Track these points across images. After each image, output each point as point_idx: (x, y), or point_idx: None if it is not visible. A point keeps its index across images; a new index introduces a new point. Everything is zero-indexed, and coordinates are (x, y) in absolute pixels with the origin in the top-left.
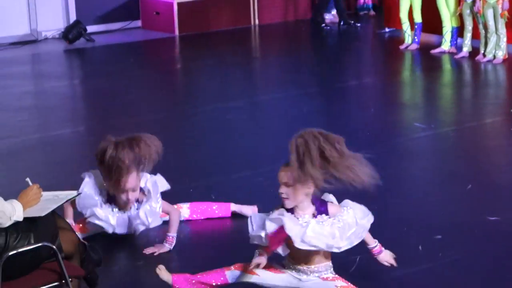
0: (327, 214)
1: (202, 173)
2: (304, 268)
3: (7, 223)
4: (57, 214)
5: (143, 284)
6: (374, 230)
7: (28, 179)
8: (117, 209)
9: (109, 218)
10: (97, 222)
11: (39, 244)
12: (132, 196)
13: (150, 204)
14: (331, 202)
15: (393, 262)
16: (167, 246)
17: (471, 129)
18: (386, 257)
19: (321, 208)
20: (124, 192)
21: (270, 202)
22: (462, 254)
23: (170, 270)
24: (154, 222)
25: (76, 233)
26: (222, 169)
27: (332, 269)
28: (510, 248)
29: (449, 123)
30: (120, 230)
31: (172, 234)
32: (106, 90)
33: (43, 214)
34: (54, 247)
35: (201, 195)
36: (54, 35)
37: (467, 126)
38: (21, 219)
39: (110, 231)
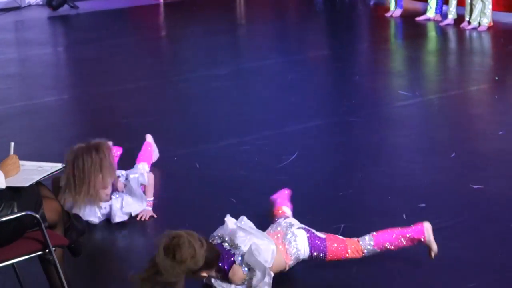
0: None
1: (187, 141)
2: None
3: None
4: (41, 183)
5: (127, 252)
6: (358, 198)
7: (12, 144)
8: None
9: (94, 211)
10: (85, 218)
11: (23, 213)
12: (104, 193)
13: (127, 196)
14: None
15: None
16: (149, 209)
17: (456, 97)
18: None
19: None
20: (98, 194)
21: (256, 170)
22: (446, 223)
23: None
24: (133, 209)
25: None
26: (207, 137)
27: None
28: (493, 216)
29: (434, 90)
30: (97, 220)
31: (150, 198)
32: (90, 57)
33: (26, 185)
34: (37, 216)
35: (185, 163)
36: (38, 2)
37: (452, 94)
38: (3, 186)
39: (96, 222)
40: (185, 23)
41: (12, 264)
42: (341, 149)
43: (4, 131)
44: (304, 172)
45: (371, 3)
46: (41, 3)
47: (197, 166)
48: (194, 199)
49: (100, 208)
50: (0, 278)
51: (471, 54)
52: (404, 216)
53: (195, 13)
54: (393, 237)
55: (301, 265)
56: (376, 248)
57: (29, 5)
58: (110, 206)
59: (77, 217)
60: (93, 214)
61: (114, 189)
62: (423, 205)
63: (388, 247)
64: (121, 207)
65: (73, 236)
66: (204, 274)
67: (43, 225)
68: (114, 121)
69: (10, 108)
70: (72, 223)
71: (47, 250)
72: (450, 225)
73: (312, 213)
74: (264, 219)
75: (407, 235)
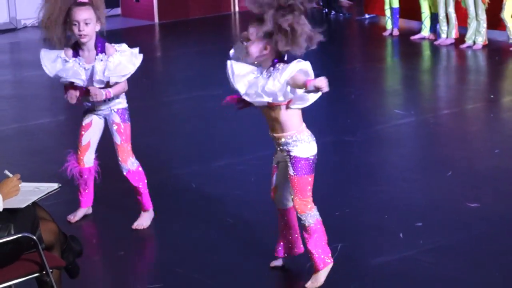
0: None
1: (183, 162)
2: (274, 136)
3: None
4: (37, 204)
5: (124, 274)
6: (355, 217)
7: (6, 171)
8: (83, 62)
9: (78, 72)
10: (69, 79)
11: (19, 235)
12: (85, 29)
13: (105, 60)
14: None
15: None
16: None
17: (451, 115)
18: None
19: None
20: (74, 25)
21: (252, 190)
22: (442, 241)
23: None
24: (113, 77)
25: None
26: (203, 158)
27: (300, 142)
28: (490, 234)
29: (429, 109)
30: (83, 83)
31: (110, 90)
32: None
33: (23, 206)
34: (34, 237)
35: (181, 184)
36: (34, 24)
37: (447, 113)
38: (0, 209)
39: (81, 84)
40: (180, 44)
41: (9, 286)
42: (337, 168)
43: None
44: None
45: (366, 22)
46: (37, 24)
47: (193, 186)
48: (190, 219)
49: (84, 68)
50: None
51: (466, 72)
52: (401, 235)
53: (190, 33)
54: (320, 238)
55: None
56: (313, 223)
57: (25, 27)
58: (93, 67)
59: (74, 238)
60: (77, 75)
61: (102, 51)
62: (419, 224)
63: (310, 234)
64: (103, 70)
65: (70, 257)
66: None
67: (40, 247)
68: (109, 143)
69: (5, 130)
70: (69, 244)
71: (44, 272)
72: (446, 244)
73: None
74: (261, 239)
75: (320, 255)
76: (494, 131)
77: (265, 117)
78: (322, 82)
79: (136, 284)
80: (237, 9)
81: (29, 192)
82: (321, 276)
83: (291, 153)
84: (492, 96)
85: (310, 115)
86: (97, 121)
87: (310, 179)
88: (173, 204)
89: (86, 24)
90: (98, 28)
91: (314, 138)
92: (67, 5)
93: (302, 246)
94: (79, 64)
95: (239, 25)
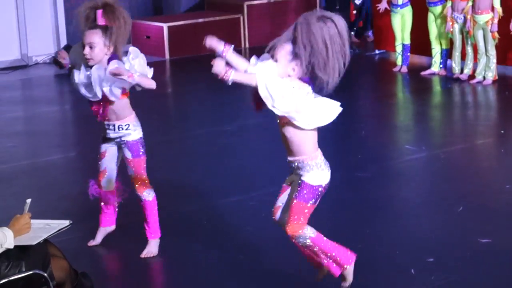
0: None
1: (194, 197)
2: (289, 159)
3: None
4: (48, 241)
5: None
6: (366, 253)
7: (28, 201)
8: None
9: (76, 76)
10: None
11: (31, 272)
12: (89, 52)
13: (107, 69)
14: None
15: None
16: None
17: (462, 151)
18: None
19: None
20: (86, 45)
21: (263, 226)
22: (454, 277)
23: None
24: (110, 91)
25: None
26: (214, 193)
27: (312, 168)
28: (502, 270)
29: (440, 145)
30: (85, 92)
31: (135, 75)
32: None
33: (34, 243)
34: (45, 274)
35: (193, 219)
36: (45, 60)
37: (458, 148)
38: (12, 246)
39: (80, 91)
40: (191, 80)
41: None
42: (349, 204)
43: (10, 189)
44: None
45: (376, 57)
46: (48, 61)
47: (204, 222)
48: (201, 255)
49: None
50: None
51: (476, 108)
52: (412, 271)
53: (201, 69)
54: (327, 247)
55: None
56: (309, 242)
57: (36, 63)
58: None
59: (85, 274)
60: (77, 75)
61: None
62: (431, 259)
63: (314, 250)
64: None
65: None
66: None
67: (51, 284)
68: (121, 179)
69: (16, 167)
70: (80, 281)
71: None
72: (459, 280)
73: None
74: (272, 274)
75: (336, 258)
76: (505, 167)
77: (282, 139)
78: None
79: None
80: (247, 45)
81: (40, 229)
82: (348, 274)
83: (302, 177)
84: (502, 132)
85: (321, 150)
86: (111, 150)
87: (309, 207)
88: (185, 239)
89: (91, 47)
90: (108, 53)
91: (328, 166)
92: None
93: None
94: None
95: None
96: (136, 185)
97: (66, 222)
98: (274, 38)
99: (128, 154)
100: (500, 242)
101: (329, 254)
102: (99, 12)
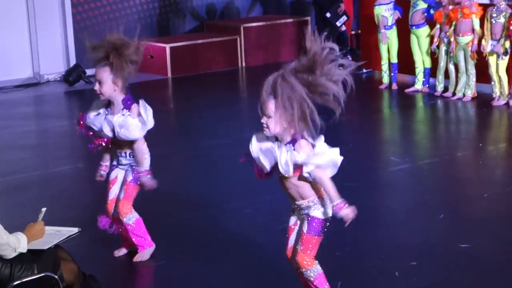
0: (293, 145)
1: (195, 205)
2: (298, 204)
3: (11, 255)
4: (59, 246)
5: None
6: (354, 257)
7: (43, 210)
8: (110, 114)
9: (98, 118)
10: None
11: (42, 274)
12: (98, 88)
13: (125, 115)
14: (306, 141)
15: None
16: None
17: (443, 162)
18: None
19: (292, 141)
20: (96, 81)
21: (258, 231)
22: (435, 280)
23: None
24: (124, 133)
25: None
26: (214, 201)
27: (320, 204)
28: (480, 273)
29: (423, 157)
30: (104, 130)
31: (141, 169)
32: None
33: (46, 248)
34: (56, 277)
35: (192, 226)
36: (56, 78)
37: (440, 160)
38: (25, 251)
39: (108, 136)
40: (191, 96)
41: None
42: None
43: (21, 198)
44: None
45: (364, 76)
46: (58, 79)
47: (204, 227)
48: (201, 257)
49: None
50: None
51: (456, 122)
52: (396, 273)
53: (200, 87)
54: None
55: None
56: (314, 276)
57: (48, 81)
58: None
59: (93, 277)
60: (94, 121)
61: (127, 108)
62: (414, 263)
63: (314, 284)
64: (118, 125)
65: None
66: None
67: (61, 285)
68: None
69: (28, 177)
70: (89, 283)
71: None
72: (440, 282)
73: None
74: (266, 276)
75: None
76: (483, 177)
77: (286, 189)
78: (350, 216)
79: None
80: (244, 64)
81: (51, 235)
82: None
83: (311, 213)
84: (480, 145)
85: None
86: (120, 176)
87: (319, 239)
88: (185, 244)
89: (100, 83)
90: (117, 88)
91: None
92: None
93: None
94: (105, 115)
95: (245, 79)
96: (121, 211)
97: (75, 230)
98: (269, 59)
99: (129, 178)
100: (478, 247)
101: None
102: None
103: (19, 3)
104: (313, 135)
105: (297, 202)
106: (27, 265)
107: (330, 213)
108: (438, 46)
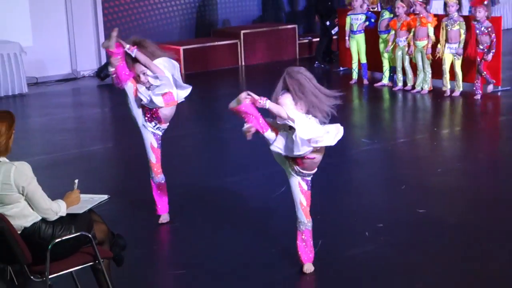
0: None
1: (203, 178)
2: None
3: (54, 218)
4: (92, 210)
5: (157, 262)
6: (332, 220)
7: (76, 181)
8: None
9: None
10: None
11: (78, 233)
12: (143, 77)
13: (153, 91)
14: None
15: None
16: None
17: (405, 143)
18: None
19: None
20: (138, 75)
21: (256, 199)
22: (398, 238)
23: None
24: (156, 102)
25: None
26: (219, 175)
27: None
28: (434, 232)
29: (388, 139)
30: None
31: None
32: (128, 116)
33: (81, 212)
34: (89, 235)
35: (202, 195)
36: (90, 74)
37: (402, 141)
38: (64, 214)
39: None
40: (201, 89)
41: (71, 272)
42: (319, 183)
43: (61, 172)
44: (291, 201)
45: (341, 73)
46: (92, 74)
47: (210, 197)
48: (209, 222)
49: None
50: (61, 283)
51: (416, 111)
52: (366, 233)
53: (208, 81)
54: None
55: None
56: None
57: (83, 76)
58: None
59: (120, 236)
60: (142, 96)
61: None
62: (381, 225)
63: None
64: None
65: (117, 250)
66: None
67: (94, 242)
68: (146, 163)
69: (66, 155)
70: (116, 240)
71: (97, 261)
72: (401, 240)
73: None
74: (265, 232)
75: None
76: (437, 155)
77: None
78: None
79: (167, 269)
80: (243, 63)
81: (85, 201)
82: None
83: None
84: (435, 129)
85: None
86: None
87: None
88: (196, 209)
89: (143, 74)
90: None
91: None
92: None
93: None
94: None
95: (245, 75)
96: (154, 170)
97: (105, 196)
98: (263, 58)
99: (155, 144)
100: (433, 212)
101: (310, 241)
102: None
103: (60, 12)
104: (324, 121)
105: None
106: (66, 225)
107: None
108: (393, 49)
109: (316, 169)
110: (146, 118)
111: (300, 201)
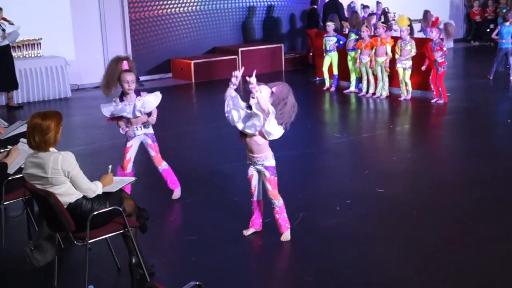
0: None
1: (207, 165)
2: (252, 156)
3: (92, 195)
4: (122, 189)
5: (168, 230)
6: (310, 198)
7: (110, 166)
8: (127, 103)
9: (126, 108)
10: (119, 114)
11: (112, 208)
12: (131, 86)
13: (143, 99)
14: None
15: None
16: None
17: (367, 138)
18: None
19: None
20: (125, 83)
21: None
22: (361, 212)
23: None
24: (148, 108)
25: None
26: (220, 162)
27: (272, 157)
28: (388, 207)
29: (355, 134)
30: (130, 115)
31: (154, 118)
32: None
33: (114, 190)
34: (120, 209)
35: (206, 178)
36: None
37: (366, 136)
38: (101, 192)
39: (129, 116)
40: (207, 94)
41: (106, 238)
42: (300, 169)
43: (98, 159)
44: (280, 183)
45: (317, 82)
46: None
47: (212, 179)
48: (211, 199)
49: (129, 104)
50: (98, 248)
51: (376, 112)
52: (337, 208)
53: (213, 88)
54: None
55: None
56: (279, 205)
57: None
58: (134, 105)
59: (144, 209)
60: (124, 110)
61: (138, 95)
62: (349, 201)
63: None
64: (142, 106)
65: (141, 221)
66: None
67: (124, 215)
68: (162, 154)
69: (102, 146)
70: (141, 213)
71: (126, 230)
72: (364, 213)
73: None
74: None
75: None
76: (392, 147)
77: (246, 145)
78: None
79: (181, 236)
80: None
81: (117, 182)
82: (288, 234)
83: (265, 164)
84: (391, 126)
85: (284, 137)
86: (135, 144)
87: (276, 179)
88: (205, 189)
89: (132, 82)
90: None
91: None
92: (119, 71)
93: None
94: (124, 105)
95: (242, 84)
96: (157, 162)
97: (133, 178)
98: (258, 71)
99: (149, 141)
100: (389, 191)
101: (282, 216)
102: (125, 62)
103: (96, 32)
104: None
105: (254, 155)
106: (102, 201)
107: (274, 163)
108: (359, 65)
109: (265, 158)
110: (136, 128)
111: (267, 187)
